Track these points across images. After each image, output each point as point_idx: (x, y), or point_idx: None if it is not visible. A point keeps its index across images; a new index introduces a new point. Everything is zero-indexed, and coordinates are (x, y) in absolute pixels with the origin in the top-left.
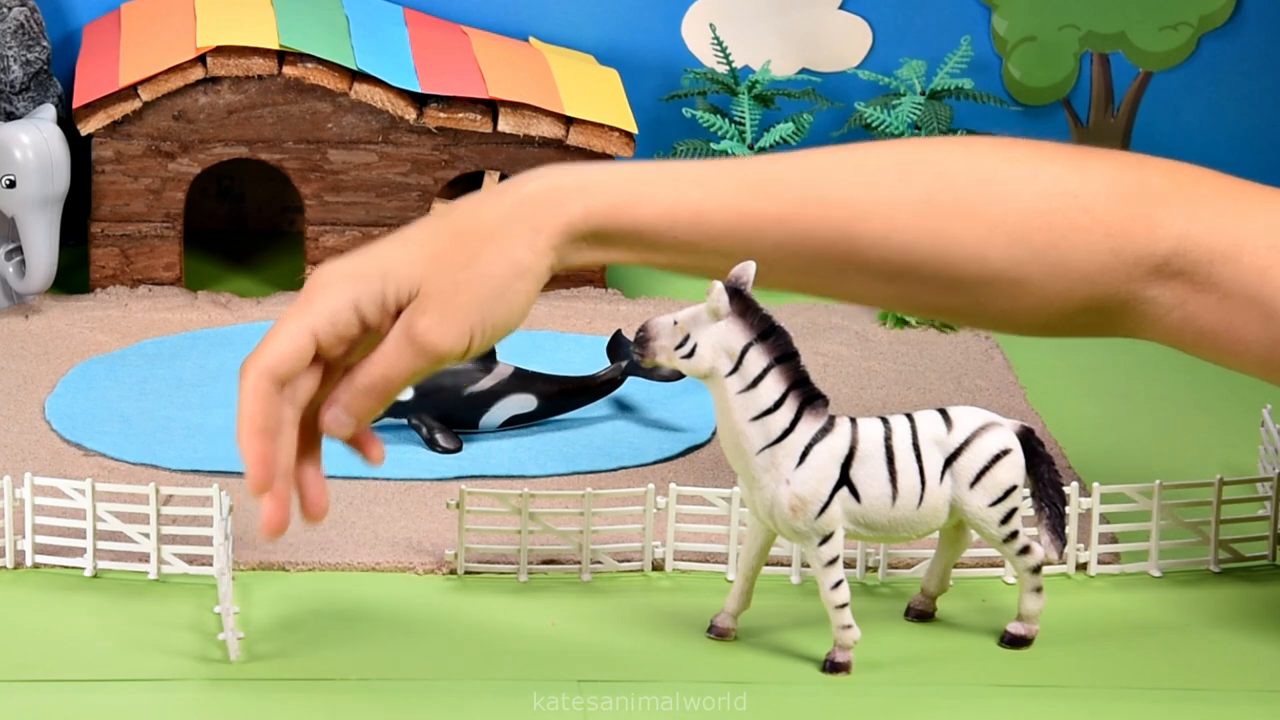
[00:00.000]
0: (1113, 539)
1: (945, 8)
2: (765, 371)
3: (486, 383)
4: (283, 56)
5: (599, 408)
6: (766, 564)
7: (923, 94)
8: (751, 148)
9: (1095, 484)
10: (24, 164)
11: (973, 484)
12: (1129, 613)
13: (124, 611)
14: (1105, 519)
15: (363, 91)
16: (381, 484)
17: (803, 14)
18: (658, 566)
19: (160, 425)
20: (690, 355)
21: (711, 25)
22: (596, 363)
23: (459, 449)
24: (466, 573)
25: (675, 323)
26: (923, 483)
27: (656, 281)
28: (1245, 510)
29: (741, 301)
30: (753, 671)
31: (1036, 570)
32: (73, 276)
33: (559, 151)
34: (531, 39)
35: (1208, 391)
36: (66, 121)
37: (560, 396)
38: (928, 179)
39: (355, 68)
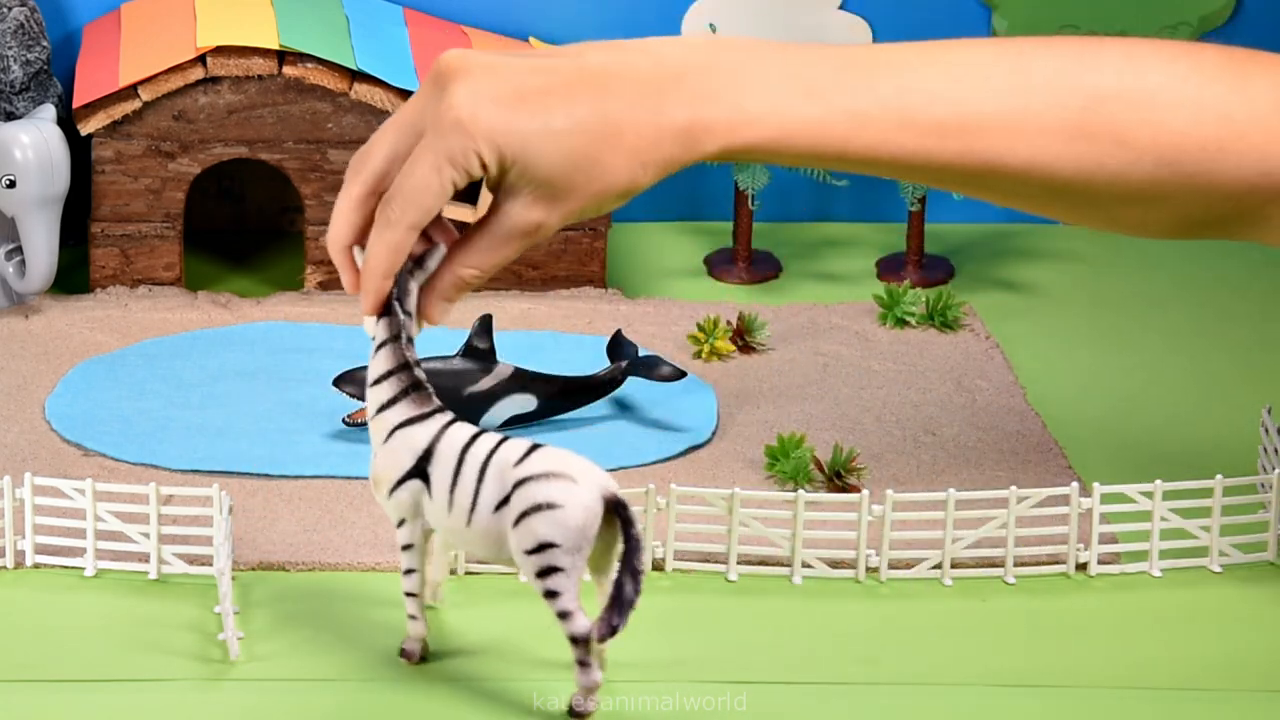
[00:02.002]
0: (1113, 539)
1: (945, 7)
2: (382, 345)
3: (486, 383)
4: (283, 56)
5: (599, 408)
6: (766, 564)
7: None
8: None
9: (1095, 484)
10: (24, 164)
11: (514, 525)
12: (1129, 613)
13: (124, 611)
14: (1105, 519)
15: (363, 91)
16: None
17: (802, 13)
18: (658, 566)
19: (160, 425)
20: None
21: (711, 25)
22: (596, 363)
23: None
24: (467, 573)
25: None
26: (474, 505)
27: (656, 282)
28: (1245, 510)
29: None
30: (753, 671)
31: (575, 642)
32: (73, 276)
33: None
34: (531, 39)
35: (1208, 391)
36: (66, 121)
37: (560, 396)
38: (1082, 100)
39: (355, 68)
